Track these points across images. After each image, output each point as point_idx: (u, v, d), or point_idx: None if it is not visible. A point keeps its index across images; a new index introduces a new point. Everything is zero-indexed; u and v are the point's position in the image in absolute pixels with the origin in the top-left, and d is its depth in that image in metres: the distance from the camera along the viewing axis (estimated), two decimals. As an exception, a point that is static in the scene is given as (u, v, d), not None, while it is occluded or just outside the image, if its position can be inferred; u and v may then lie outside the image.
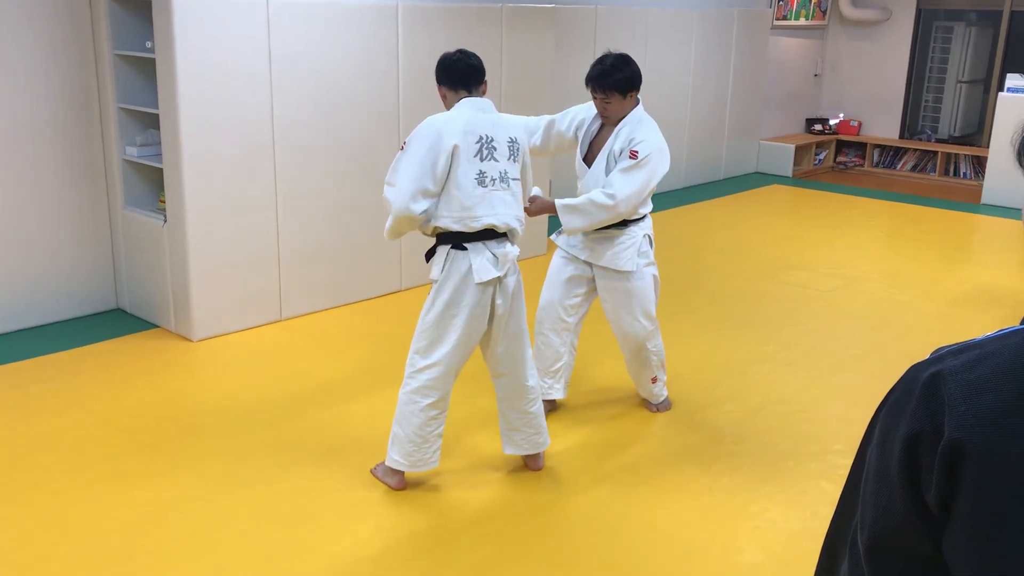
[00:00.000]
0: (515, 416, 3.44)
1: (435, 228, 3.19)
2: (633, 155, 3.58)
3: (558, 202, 3.63)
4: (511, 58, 6.03)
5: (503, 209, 3.18)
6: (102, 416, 3.90)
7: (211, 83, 4.53)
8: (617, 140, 3.65)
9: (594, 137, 3.79)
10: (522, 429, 3.45)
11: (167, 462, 3.53)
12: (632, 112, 3.68)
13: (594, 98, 3.66)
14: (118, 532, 3.06)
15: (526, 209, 3.56)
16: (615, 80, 3.57)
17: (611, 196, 3.54)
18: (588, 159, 3.77)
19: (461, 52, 3.31)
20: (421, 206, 3.10)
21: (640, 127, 3.64)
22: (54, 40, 4.67)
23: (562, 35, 7.12)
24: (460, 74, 3.25)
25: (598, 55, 3.74)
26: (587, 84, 3.65)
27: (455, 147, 3.08)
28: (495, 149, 3.17)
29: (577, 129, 3.82)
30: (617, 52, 3.67)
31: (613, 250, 3.74)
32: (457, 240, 3.17)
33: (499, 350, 3.34)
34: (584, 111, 3.83)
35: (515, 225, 3.24)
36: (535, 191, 3.61)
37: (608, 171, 3.67)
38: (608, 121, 3.72)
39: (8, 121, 4.59)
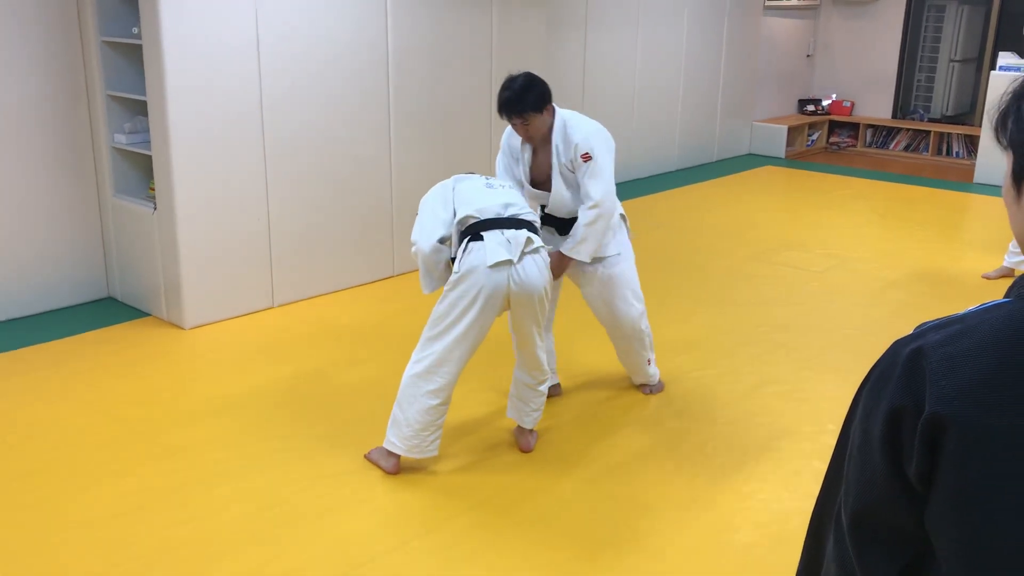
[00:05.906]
0: (522, 387, 3.52)
1: (460, 221, 3.30)
2: (586, 158, 3.52)
3: (564, 251, 3.60)
4: (502, 40, 6.00)
5: (517, 199, 3.35)
6: (95, 405, 3.89)
7: (199, 68, 4.50)
8: (559, 155, 3.57)
9: (531, 163, 3.68)
10: (520, 398, 3.53)
11: (161, 450, 3.53)
12: (554, 121, 3.57)
13: (513, 125, 3.55)
14: (113, 520, 3.05)
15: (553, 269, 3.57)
16: (529, 102, 3.45)
17: (595, 206, 3.53)
18: (541, 184, 3.67)
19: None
20: (439, 235, 3.31)
21: (570, 129, 3.55)
22: (40, 27, 4.64)
23: (553, 16, 7.08)
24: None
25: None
26: (501, 114, 3.51)
27: (454, 188, 3.37)
28: (502, 187, 3.43)
29: (516, 162, 3.72)
30: (519, 73, 3.55)
31: None
32: (476, 230, 3.21)
33: (518, 332, 3.39)
34: (507, 139, 3.73)
35: (531, 216, 3.33)
36: None
37: (567, 182, 3.60)
38: (533, 142, 3.62)
39: (-5, 109, 4.56)
